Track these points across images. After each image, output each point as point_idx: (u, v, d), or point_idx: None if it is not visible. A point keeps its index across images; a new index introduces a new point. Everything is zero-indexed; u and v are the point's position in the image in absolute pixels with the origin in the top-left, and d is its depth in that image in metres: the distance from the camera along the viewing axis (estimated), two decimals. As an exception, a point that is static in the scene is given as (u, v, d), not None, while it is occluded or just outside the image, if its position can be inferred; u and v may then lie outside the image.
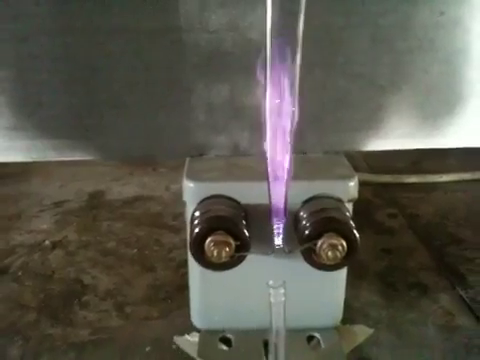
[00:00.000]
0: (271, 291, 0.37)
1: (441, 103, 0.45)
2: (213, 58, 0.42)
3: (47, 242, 0.65)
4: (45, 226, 0.70)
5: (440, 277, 0.54)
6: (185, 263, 0.44)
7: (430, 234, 0.64)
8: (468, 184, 0.78)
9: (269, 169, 0.36)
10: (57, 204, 0.76)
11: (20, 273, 0.58)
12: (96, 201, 0.77)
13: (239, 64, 0.42)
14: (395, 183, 0.78)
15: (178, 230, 0.66)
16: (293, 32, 0.33)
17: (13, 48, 0.41)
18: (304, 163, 0.43)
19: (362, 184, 0.76)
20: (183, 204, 0.42)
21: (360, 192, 0.76)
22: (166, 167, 0.87)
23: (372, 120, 0.45)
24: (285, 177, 0.37)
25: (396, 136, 0.46)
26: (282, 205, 0.37)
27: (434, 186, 0.77)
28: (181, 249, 0.60)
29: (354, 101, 0.45)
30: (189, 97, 0.44)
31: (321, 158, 0.45)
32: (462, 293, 0.51)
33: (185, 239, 0.41)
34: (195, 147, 0.45)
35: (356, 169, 0.79)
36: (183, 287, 0.50)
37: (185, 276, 0.47)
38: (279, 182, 0.37)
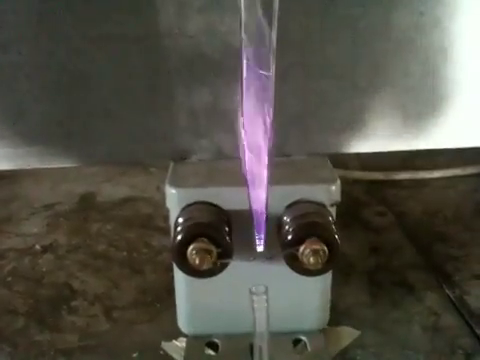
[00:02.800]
0: (254, 297, 0.38)
1: (423, 104, 0.45)
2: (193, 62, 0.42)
3: (37, 246, 0.65)
4: (35, 229, 0.70)
5: (427, 276, 0.54)
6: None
7: (418, 232, 0.64)
8: (458, 180, 0.78)
9: (248, 175, 0.36)
10: (47, 207, 0.76)
11: (10, 278, 0.58)
12: (87, 203, 0.77)
13: (219, 68, 0.42)
14: (385, 180, 0.78)
15: (168, 232, 0.66)
16: (268, 35, 0.33)
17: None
18: (287, 166, 0.43)
19: (353, 182, 0.77)
20: (167, 210, 0.43)
21: (350, 190, 0.77)
22: (157, 167, 0.87)
23: (354, 122, 0.45)
24: (265, 183, 0.37)
25: (379, 138, 0.46)
26: (263, 211, 0.37)
27: (424, 183, 0.77)
28: (170, 252, 0.60)
29: (335, 103, 0.45)
30: (171, 102, 0.44)
31: (304, 161, 0.45)
32: (448, 292, 0.51)
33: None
34: (178, 151, 0.46)
35: (347, 166, 0.81)
36: (171, 290, 0.50)
37: (173, 279, 0.47)
38: (259, 188, 0.37)
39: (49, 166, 0.45)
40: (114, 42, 0.41)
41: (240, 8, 0.32)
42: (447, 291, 0.51)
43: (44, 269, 0.60)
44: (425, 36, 0.42)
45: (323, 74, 0.43)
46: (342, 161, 0.78)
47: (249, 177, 0.37)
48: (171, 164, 0.44)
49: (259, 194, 0.38)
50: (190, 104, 0.43)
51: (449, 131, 0.46)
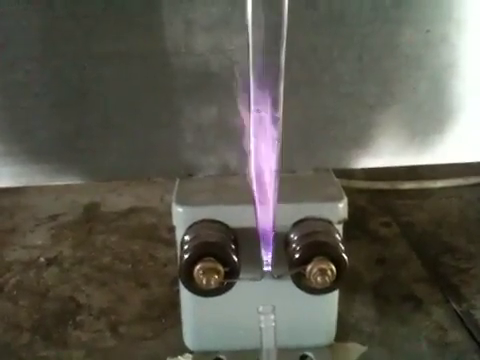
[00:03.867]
0: (261, 317, 0.37)
1: (430, 120, 0.45)
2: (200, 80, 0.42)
3: (42, 259, 0.65)
4: (40, 242, 0.70)
5: (433, 289, 0.54)
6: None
7: (424, 243, 0.64)
8: (463, 189, 0.77)
9: (255, 194, 0.36)
10: (52, 218, 0.76)
11: (15, 292, 0.58)
12: (91, 214, 0.77)
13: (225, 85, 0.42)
14: (390, 189, 0.78)
15: (172, 243, 0.66)
16: (276, 54, 0.33)
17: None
18: (293, 183, 0.43)
19: (357, 191, 0.77)
20: (173, 228, 0.42)
21: (355, 199, 0.76)
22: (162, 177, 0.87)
23: (361, 138, 0.45)
24: (272, 202, 0.37)
25: (386, 153, 0.46)
26: (270, 230, 0.37)
27: (429, 192, 0.77)
28: (175, 265, 0.60)
29: (343, 120, 0.44)
30: (178, 118, 0.44)
31: (310, 177, 0.45)
32: (455, 307, 0.51)
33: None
34: (185, 167, 0.45)
35: (352, 176, 0.80)
36: (177, 304, 0.50)
37: (179, 293, 0.47)
38: (266, 207, 0.37)
39: (55, 183, 0.45)
40: (123, 59, 0.41)
41: (248, 26, 0.32)
42: (454, 305, 0.51)
43: (49, 282, 0.60)
44: (432, 52, 0.42)
45: (331, 91, 0.43)
46: (346, 171, 0.78)
47: (256, 195, 0.37)
48: (177, 181, 0.44)
49: (266, 213, 0.38)
50: (197, 121, 0.43)
51: (454, 146, 0.45)
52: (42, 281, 0.60)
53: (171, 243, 0.67)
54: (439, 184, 0.78)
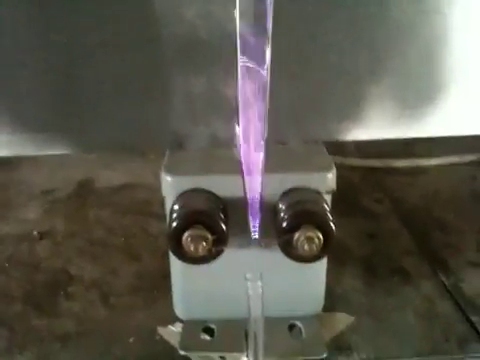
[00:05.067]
0: (248, 284, 0.38)
1: (421, 91, 0.45)
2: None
3: (35, 232, 0.65)
4: (33, 216, 0.70)
5: (422, 263, 0.55)
6: (170, 252, 0.45)
7: (415, 219, 0.64)
8: (456, 167, 0.78)
9: (243, 163, 0.37)
10: (45, 193, 0.76)
11: (7, 264, 0.58)
12: (85, 189, 0.77)
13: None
14: (384, 167, 0.78)
15: (164, 218, 0.66)
16: (263, 23, 0.33)
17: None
18: (283, 154, 0.43)
19: (350, 169, 0.77)
20: (163, 197, 0.43)
21: (348, 177, 0.77)
22: (155, 154, 0.87)
23: (352, 110, 0.45)
24: (260, 171, 0.37)
25: (377, 126, 0.46)
26: (258, 199, 0.37)
27: (422, 170, 0.77)
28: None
29: (333, 91, 0.44)
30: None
31: (300, 148, 0.45)
32: (443, 279, 0.51)
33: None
34: (175, 137, 0.45)
35: (345, 153, 0.80)
36: (168, 276, 0.51)
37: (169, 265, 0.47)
38: (254, 176, 0.37)
39: (45, 153, 0.45)
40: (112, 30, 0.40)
41: None
42: (442, 278, 0.51)
43: (41, 255, 0.60)
44: (425, 23, 0.42)
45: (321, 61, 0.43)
46: (340, 148, 0.78)
47: (244, 165, 0.37)
48: (167, 152, 0.44)
49: (254, 182, 0.38)
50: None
51: (445, 119, 0.45)
52: (35, 253, 0.60)
53: (163, 217, 0.67)
54: (433, 162, 0.78)
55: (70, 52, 0.41)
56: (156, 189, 0.74)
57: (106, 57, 0.42)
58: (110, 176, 0.80)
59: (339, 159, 0.76)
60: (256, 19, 0.33)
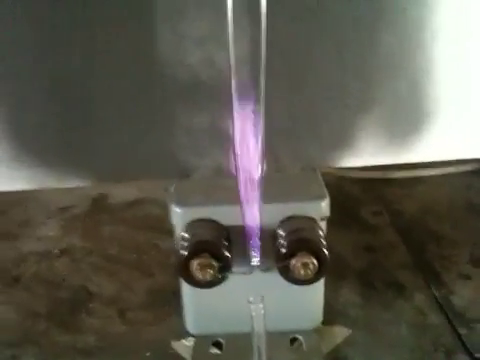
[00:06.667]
0: (251, 306, 0.42)
1: (408, 120, 0.48)
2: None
3: (56, 250, 0.70)
4: (52, 233, 0.74)
5: (416, 276, 0.58)
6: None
7: (411, 231, 0.67)
8: (453, 177, 0.81)
9: (242, 195, 0.41)
10: (62, 210, 0.81)
11: (32, 281, 0.63)
12: (99, 205, 0.81)
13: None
14: (383, 178, 0.81)
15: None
16: (258, 60, 0.37)
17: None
18: (280, 183, 0.47)
19: (351, 180, 0.81)
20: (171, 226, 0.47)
21: (348, 188, 0.80)
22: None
23: (345, 138, 0.49)
24: (258, 202, 0.41)
25: (368, 153, 0.49)
26: (256, 228, 0.41)
27: (420, 180, 0.81)
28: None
29: (326, 121, 0.48)
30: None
31: (296, 176, 0.49)
32: (435, 292, 0.55)
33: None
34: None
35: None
36: (178, 292, 0.55)
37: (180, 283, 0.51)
38: (252, 207, 0.41)
39: (63, 186, 0.49)
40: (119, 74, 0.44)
41: (228, 39, 0.36)
42: (434, 291, 0.55)
43: (63, 272, 0.65)
44: (409, 57, 0.45)
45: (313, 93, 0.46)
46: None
47: (243, 196, 0.41)
48: (174, 183, 0.48)
49: (253, 212, 0.42)
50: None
51: (430, 146, 0.49)
52: (56, 271, 0.65)
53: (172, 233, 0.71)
54: (430, 172, 0.81)
55: (83, 96, 0.46)
56: (165, 204, 0.79)
57: (117, 98, 0.46)
58: (122, 192, 0.85)
59: (340, 171, 0.80)
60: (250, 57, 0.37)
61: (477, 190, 0.77)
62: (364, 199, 0.77)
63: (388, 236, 0.67)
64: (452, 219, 0.69)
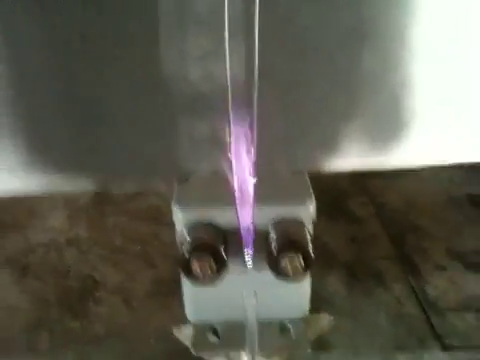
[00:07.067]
0: (245, 300, 0.47)
1: (388, 129, 0.53)
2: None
3: (61, 240, 0.75)
4: (58, 224, 0.79)
5: (397, 266, 0.64)
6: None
7: (394, 223, 0.73)
8: (438, 170, 0.85)
9: (237, 199, 0.45)
10: (67, 201, 0.85)
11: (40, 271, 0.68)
12: (102, 197, 0.86)
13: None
14: (370, 171, 0.86)
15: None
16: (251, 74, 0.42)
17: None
18: (272, 186, 0.52)
19: (340, 173, 0.85)
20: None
21: (337, 181, 0.85)
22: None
23: (331, 144, 0.54)
24: (250, 206, 0.46)
25: (351, 158, 0.54)
26: (250, 231, 0.46)
27: (407, 173, 0.85)
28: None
29: (315, 128, 0.53)
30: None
31: (286, 180, 0.53)
32: (413, 282, 0.60)
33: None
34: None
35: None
36: (179, 282, 0.60)
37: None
38: (246, 209, 0.46)
39: (65, 190, 0.54)
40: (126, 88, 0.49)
41: (226, 57, 0.40)
42: (411, 282, 0.61)
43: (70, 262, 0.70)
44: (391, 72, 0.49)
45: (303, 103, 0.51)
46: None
47: (238, 200, 0.46)
48: (176, 185, 0.53)
49: (247, 214, 0.47)
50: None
51: (407, 153, 0.54)
52: (63, 261, 0.70)
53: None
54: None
55: (94, 108, 0.50)
56: (166, 196, 0.84)
57: (126, 108, 0.50)
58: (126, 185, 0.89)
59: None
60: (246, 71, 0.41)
61: (458, 184, 0.82)
62: (352, 191, 0.82)
63: (373, 227, 0.72)
64: (432, 212, 0.75)
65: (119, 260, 0.69)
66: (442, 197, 0.78)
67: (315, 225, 0.50)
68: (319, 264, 0.54)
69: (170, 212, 0.78)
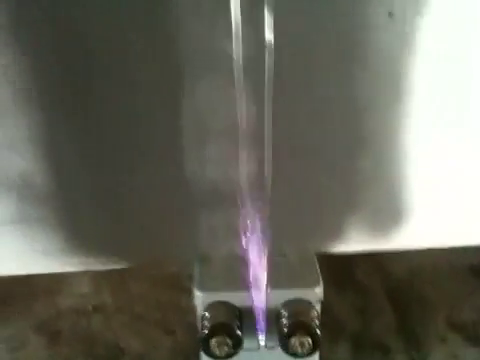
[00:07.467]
0: (258, 376, 0.52)
1: (387, 216, 0.59)
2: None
3: (89, 307, 0.80)
4: (85, 290, 0.85)
5: (400, 337, 0.68)
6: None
7: (399, 293, 0.77)
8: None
9: (252, 284, 0.51)
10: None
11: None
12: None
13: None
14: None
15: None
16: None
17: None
18: (283, 269, 0.58)
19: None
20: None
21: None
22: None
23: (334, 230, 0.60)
24: (263, 288, 0.52)
25: (355, 242, 0.60)
26: (263, 312, 0.52)
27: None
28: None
29: (319, 218, 0.59)
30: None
31: (296, 263, 0.59)
32: (414, 355, 0.65)
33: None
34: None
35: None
36: (197, 349, 0.65)
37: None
38: (259, 292, 0.52)
39: (92, 269, 0.61)
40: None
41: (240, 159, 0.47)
42: (413, 354, 0.65)
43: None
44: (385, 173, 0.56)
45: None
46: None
47: (252, 284, 0.52)
48: (196, 268, 0.59)
49: (260, 297, 0.53)
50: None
51: (407, 237, 0.60)
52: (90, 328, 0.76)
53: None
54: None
55: (124, 199, 0.57)
56: (183, 264, 0.90)
57: (151, 206, 0.57)
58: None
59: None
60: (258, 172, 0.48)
61: (458, 251, 0.87)
62: (358, 259, 0.87)
63: (378, 298, 0.77)
64: (436, 281, 0.79)
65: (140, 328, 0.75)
66: (444, 267, 0.83)
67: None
68: (327, 334, 0.60)
69: (186, 278, 0.83)
